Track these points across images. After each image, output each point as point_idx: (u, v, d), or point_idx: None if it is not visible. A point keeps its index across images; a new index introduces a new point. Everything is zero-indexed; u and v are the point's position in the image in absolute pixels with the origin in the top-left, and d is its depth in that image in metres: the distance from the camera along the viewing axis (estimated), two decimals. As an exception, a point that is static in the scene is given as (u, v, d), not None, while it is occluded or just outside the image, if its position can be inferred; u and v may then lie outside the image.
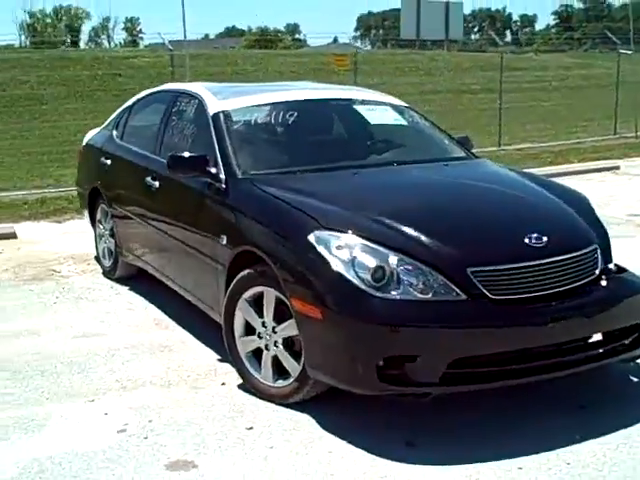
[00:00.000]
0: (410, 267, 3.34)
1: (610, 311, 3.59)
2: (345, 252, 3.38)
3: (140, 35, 78.99)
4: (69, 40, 62.50)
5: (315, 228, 3.50)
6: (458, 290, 3.31)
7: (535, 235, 3.52)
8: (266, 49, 35.54)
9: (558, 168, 11.56)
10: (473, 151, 5.03)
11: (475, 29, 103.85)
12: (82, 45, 63.79)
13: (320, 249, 3.42)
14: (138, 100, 5.93)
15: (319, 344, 3.41)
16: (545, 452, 3.25)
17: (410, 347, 3.24)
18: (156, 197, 4.91)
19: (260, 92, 5.00)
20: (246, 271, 3.81)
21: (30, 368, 4.26)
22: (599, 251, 3.72)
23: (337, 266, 3.35)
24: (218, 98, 4.74)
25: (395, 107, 5.14)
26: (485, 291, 3.32)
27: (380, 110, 5.00)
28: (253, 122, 4.57)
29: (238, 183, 4.09)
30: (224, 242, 3.99)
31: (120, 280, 5.94)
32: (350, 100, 5.03)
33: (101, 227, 6.14)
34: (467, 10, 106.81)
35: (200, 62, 22.41)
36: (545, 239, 3.53)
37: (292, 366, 3.62)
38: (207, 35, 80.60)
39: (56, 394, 3.93)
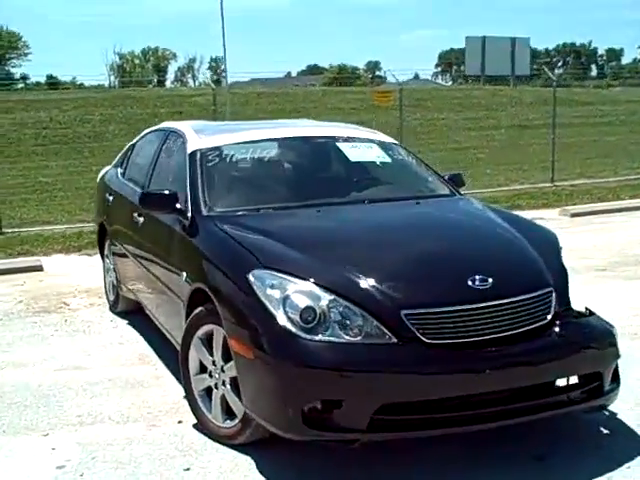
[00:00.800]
0: (341, 309, 3.24)
1: (560, 359, 3.38)
2: (278, 292, 3.31)
3: (223, 74, 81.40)
4: (156, 80, 64.88)
5: (255, 266, 3.45)
6: (390, 333, 3.19)
7: (479, 277, 3.38)
8: (344, 86, 35.98)
9: (605, 205, 11.19)
10: (466, 190, 5.00)
11: (559, 64, 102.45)
12: (168, 84, 66.12)
13: (256, 288, 3.36)
14: (140, 138, 6.04)
15: (252, 385, 3.34)
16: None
17: (334, 391, 3.13)
18: (140, 233, 4.98)
19: (244, 130, 5.04)
20: (199, 309, 3.79)
21: (2, 400, 4.33)
22: (554, 294, 3.53)
23: (268, 306, 3.29)
24: (199, 136, 4.79)
25: (382, 144, 5.06)
26: (419, 335, 3.19)
27: (364, 147, 4.92)
28: (228, 160, 4.58)
29: (201, 221, 4.09)
30: (184, 278, 4.00)
31: (121, 314, 6.02)
32: (333, 138, 4.97)
33: (107, 261, 6.25)
34: (551, 45, 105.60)
35: (263, 99, 22.92)
36: (490, 281, 3.37)
37: (237, 407, 3.55)
38: (289, 73, 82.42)
39: (15, 427, 3.97)
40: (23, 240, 9.44)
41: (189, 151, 4.61)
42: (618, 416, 3.87)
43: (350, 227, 4.05)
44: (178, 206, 4.24)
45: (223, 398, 3.66)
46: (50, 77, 40.93)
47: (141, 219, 4.92)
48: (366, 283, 3.32)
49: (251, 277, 3.40)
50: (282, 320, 3.23)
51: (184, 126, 5.15)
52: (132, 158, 5.97)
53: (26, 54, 60.49)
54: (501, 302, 3.34)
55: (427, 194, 4.69)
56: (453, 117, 22.09)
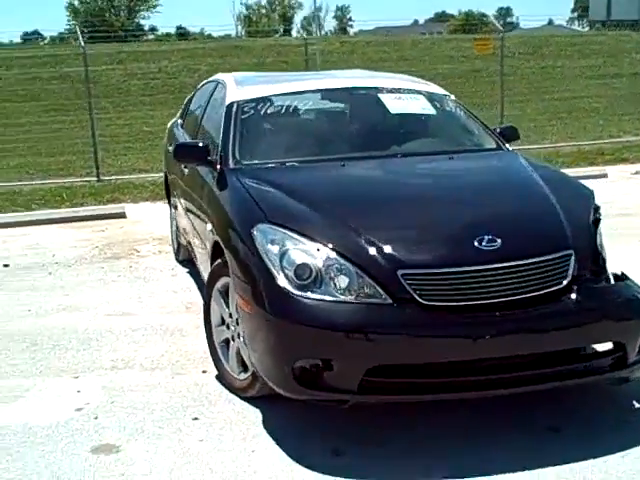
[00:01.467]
0: (337, 267, 3.15)
1: (573, 326, 3.17)
2: (277, 247, 3.26)
3: (350, 23, 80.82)
4: (282, 29, 65.12)
5: (259, 221, 3.41)
6: (384, 293, 3.08)
7: (488, 237, 3.19)
8: (469, 33, 34.94)
9: None
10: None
11: None
12: (294, 34, 66.19)
13: (257, 242, 3.33)
14: (197, 89, 6.09)
15: (252, 340, 3.33)
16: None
17: (324, 351, 3.07)
18: (185, 183, 5.05)
19: (286, 81, 4.97)
20: (217, 260, 3.80)
21: (47, 342, 4.55)
22: (573, 258, 3.28)
23: (267, 261, 3.25)
24: (239, 87, 4.78)
25: (430, 96, 4.84)
26: (416, 296, 3.06)
27: (410, 99, 4.72)
28: (263, 112, 4.52)
29: (227, 173, 4.07)
30: (209, 229, 4.02)
31: (183, 262, 6.15)
32: (376, 89, 4.79)
33: (171, 210, 6.39)
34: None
35: (369, 49, 22.58)
36: (499, 242, 3.19)
37: (249, 360, 3.57)
38: (416, 21, 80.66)
39: (50, 368, 4.16)
40: (115, 188, 9.83)
41: (227, 102, 4.59)
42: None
43: (367, 182, 3.94)
44: (209, 158, 4.24)
45: (238, 351, 3.68)
46: (179, 28, 42.03)
47: (186, 170, 4.97)
48: (366, 241, 3.21)
49: (255, 231, 3.37)
50: (278, 276, 3.19)
51: (228, 77, 5.16)
52: (189, 109, 6.03)
53: (155, 6, 62.11)
54: (509, 264, 3.15)
55: (468, 148, 4.51)
56: (570, 64, 20.96)
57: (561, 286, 3.22)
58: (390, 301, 3.07)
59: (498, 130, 4.78)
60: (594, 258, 3.42)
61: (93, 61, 18.85)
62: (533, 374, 3.20)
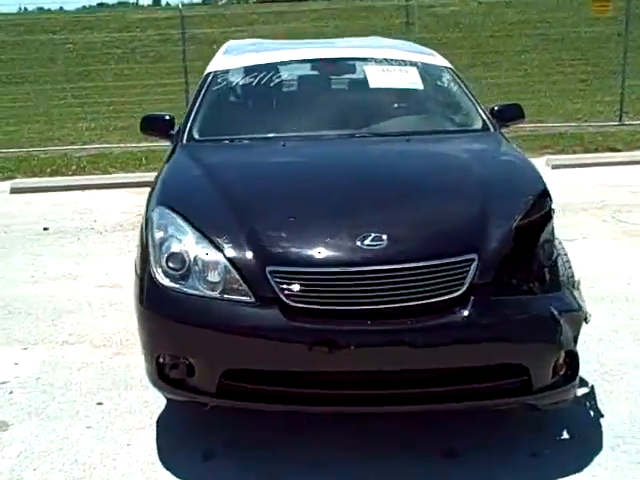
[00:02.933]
0: (208, 258, 2.96)
1: (459, 342, 2.81)
2: (161, 233, 3.12)
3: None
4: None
5: (159, 203, 3.29)
6: (249, 291, 2.86)
7: (372, 235, 2.88)
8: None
9: None
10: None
11: None
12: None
13: (149, 225, 3.21)
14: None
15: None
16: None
17: (182, 348, 2.93)
18: None
19: (273, 50, 4.75)
20: None
21: (24, 310, 4.72)
22: (475, 264, 2.87)
23: (150, 246, 3.12)
24: (224, 56, 4.68)
25: (425, 68, 4.48)
26: (282, 296, 2.81)
27: (399, 71, 4.35)
28: (234, 84, 4.40)
29: (177, 149, 3.99)
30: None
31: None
32: (364, 60, 4.46)
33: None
34: None
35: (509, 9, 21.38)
36: (384, 241, 2.87)
37: None
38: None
39: (8, 337, 4.31)
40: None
41: (205, 73, 4.50)
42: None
43: (290, 167, 3.70)
44: (171, 132, 4.18)
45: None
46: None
47: None
48: (245, 233, 2.99)
49: (152, 213, 3.26)
50: (153, 263, 3.06)
51: (226, 44, 5.04)
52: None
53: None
54: (391, 267, 2.82)
55: (441, 129, 4.18)
56: None
57: (453, 296, 2.83)
58: (253, 300, 2.86)
59: (496, 109, 4.37)
60: (515, 264, 2.97)
61: (218, 22, 19.35)
62: (423, 392, 2.89)
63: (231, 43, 5.25)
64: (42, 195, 8.05)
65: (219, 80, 4.39)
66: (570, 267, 3.45)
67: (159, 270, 3.02)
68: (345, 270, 2.84)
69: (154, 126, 4.34)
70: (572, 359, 2.99)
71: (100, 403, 3.52)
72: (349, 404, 2.88)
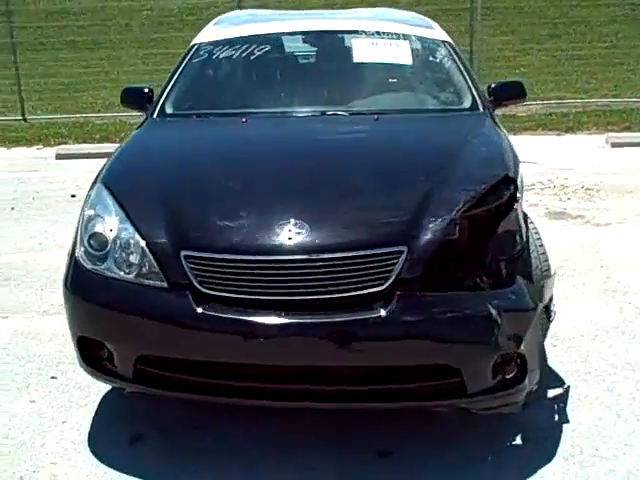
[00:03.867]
0: (127, 240, 2.85)
1: (382, 339, 2.61)
2: (92, 211, 3.03)
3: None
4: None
5: (100, 181, 3.19)
6: (162, 275, 2.73)
7: (294, 223, 2.71)
8: None
9: None
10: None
11: None
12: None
13: (84, 203, 3.12)
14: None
15: None
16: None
17: (97, 331, 2.85)
18: None
19: (262, 22, 4.60)
20: None
21: (20, 278, 4.77)
22: (405, 256, 2.64)
23: (80, 223, 3.04)
24: (215, 27, 4.55)
25: (420, 41, 4.22)
26: (195, 282, 2.68)
27: (389, 45, 4.09)
28: (215, 57, 4.22)
29: (145, 123, 3.92)
30: None
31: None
32: (355, 32, 4.22)
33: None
34: None
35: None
36: (305, 230, 2.69)
37: None
38: None
39: (-6, 306, 4.36)
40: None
41: (190, 44, 4.39)
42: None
43: (235, 147, 3.55)
44: (147, 105, 4.09)
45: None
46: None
47: None
48: (166, 216, 2.86)
49: (90, 191, 3.17)
50: (77, 242, 2.97)
51: (220, 16, 4.93)
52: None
53: None
54: (309, 257, 2.64)
55: (422, 107, 3.93)
56: None
57: (376, 290, 2.62)
58: (166, 285, 2.73)
59: (492, 86, 4.08)
60: (453, 258, 2.72)
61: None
62: (343, 390, 2.72)
63: (226, 15, 5.10)
64: (83, 161, 8.15)
65: (201, 52, 4.25)
66: (545, 260, 3.18)
67: (82, 250, 2.94)
68: (260, 258, 2.67)
69: (133, 99, 4.24)
70: (519, 361, 2.72)
71: (54, 377, 3.50)
72: (263, 397, 2.73)
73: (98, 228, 2.94)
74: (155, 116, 3.93)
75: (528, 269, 2.91)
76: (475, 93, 3.92)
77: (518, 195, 3.00)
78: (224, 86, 4.28)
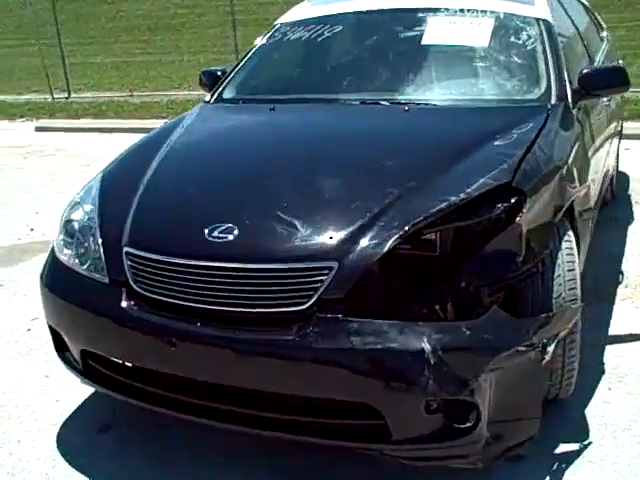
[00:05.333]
0: (87, 231, 2.89)
1: (294, 367, 2.37)
2: (77, 197, 3.12)
3: None
4: None
5: (103, 170, 3.30)
6: (105, 269, 2.73)
7: (223, 227, 2.55)
8: None
9: None
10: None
11: None
12: None
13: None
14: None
15: None
16: None
17: (54, 320, 2.91)
18: None
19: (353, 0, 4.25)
20: None
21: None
22: (334, 274, 2.36)
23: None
24: (307, 5, 4.45)
25: (509, 19, 3.74)
26: (131, 280, 2.64)
27: (468, 24, 3.72)
28: (289, 38, 4.15)
29: (195, 109, 3.93)
30: None
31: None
32: (436, 10, 3.84)
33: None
34: None
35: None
36: (233, 235, 2.52)
37: None
38: None
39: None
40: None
41: (275, 23, 4.35)
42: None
43: (234, 137, 3.47)
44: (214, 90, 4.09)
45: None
46: None
47: None
48: (125, 209, 2.84)
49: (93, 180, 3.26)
50: (60, 229, 3.06)
51: None
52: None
53: None
54: (229, 266, 2.46)
55: (476, 97, 3.46)
56: None
57: (296, 309, 2.38)
58: (107, 280, 2.71)
59: (584, 72, 3.52)
60: (399, 280, 2.42)
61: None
62: (255, 415, 2.51)
63: None
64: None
65: (278, 34, 4.21)
66: (573, 288, 2.71)
67: (60, 237, 3.02)
68: (184, 262, 2.54)
69: (208, 81, 4.22)
70: (465, 410, 2.31)
71: (47, 376, 3.51)
72: (185, 411, 2.63)
73: (74, 215, 3.00)
74: (211, 101, 3.95)
75: (535, 298, 2.53)
76: (553, 82, 3.38)
77: (524, 210, 2.50)
78: (287, 70, 4.23)
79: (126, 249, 2.69)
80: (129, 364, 2.74)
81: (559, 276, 2.62)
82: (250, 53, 4.20)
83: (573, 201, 2.97)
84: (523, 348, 2.34)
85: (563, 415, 2.92)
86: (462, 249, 2.47)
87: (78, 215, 2.96)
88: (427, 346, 2.23)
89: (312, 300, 2.36)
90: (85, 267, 2.81)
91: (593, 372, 3.21)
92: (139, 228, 2.75)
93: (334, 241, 2.44)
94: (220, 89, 3.99)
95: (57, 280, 2.91)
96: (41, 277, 2.99)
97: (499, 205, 2.49)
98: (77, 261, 2.85)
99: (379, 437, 2.35)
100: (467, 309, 2.39)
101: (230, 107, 3.87)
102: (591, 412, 2.97)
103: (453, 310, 2.40)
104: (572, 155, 3.09)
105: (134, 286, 2.64)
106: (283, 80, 4.11)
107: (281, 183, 2.81)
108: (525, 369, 2.37)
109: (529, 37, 3.64)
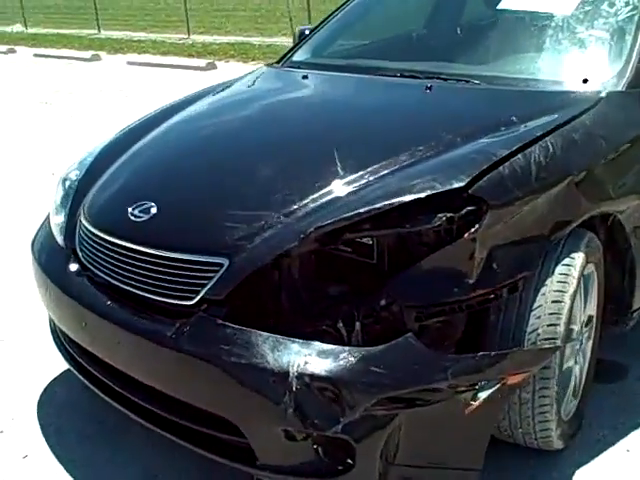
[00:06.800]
0: (70, 196, 2.85)
1: (168, 366, 2.15)
2: (82, 158, 3.12)
3: None
4: None
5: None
6: (67, 239, 2.67)
7: (145, 206, 2.38)
8: None
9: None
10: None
11: None
12: None
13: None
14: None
15: None
16: None
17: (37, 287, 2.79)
18: None
19: None
20: None
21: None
22: (223, 271, 2.09)
23: None
24: None
25: None
26: (78, 250, 2.56)
27: None
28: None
29: (255, 71, 3.73)
30: None
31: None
32: None
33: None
34: None
35: None
36: (148, 215, 2.34)
37: None
38: None
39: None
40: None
41: None
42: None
43: (252, 113, 3.10)
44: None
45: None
46: None
47: None
48: (99, 177, 2.81)
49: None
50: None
51: None
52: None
53: None
54: (131, 246, 2.31)
55: (524, 77, 2.87)
56: None
57: (183, 303, 2.15)
58: (68, 250, 2.64)
59: None
60: (301, 289, 2.12)
61: None
62: (145, 409, 2.31)
63: None
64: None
65: None
66: (553, 324, 2.15)
67: (57, 195, 2.96)
68: (107, 238, 2.42)
69: (297, 39, 3.97)
70: (338, 447, 1.97)
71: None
72: (101, 390, 2.50)
73: (70, 175, 2.95)
74: (280, 63, 3.70)
75: (503, 330, 2.14)
76: (632, 63, 2.74)
77: (482, 223, 2.02)
78: (368, 31, 3.97)
79: (80, 218, 2.61)
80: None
81: (539, 307, 2.14)
82: (342, 10, 3.88)
83: (613, 216, 2.46)
84: (433, 389, 1.92)
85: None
86: (390, 262, 2.10)
87: (70, 177, 2.93)
88: (293, 369, 1.91)
89: (198, 297, 2.12)
90: (58, 234, 2.75)
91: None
92: (94, 199, 2.67)
93: (231, 236, 2.16)
94: (292, 50, 3.77)
95: (38, 246, 2.84)
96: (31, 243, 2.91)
97: (440, 215, 2.02)
98: (56, 228, 2.77)
99: (245, 458, 2.09)
100: (384, 332, 1.99)
101: (280, 72, 3.59)
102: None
103: (362, 331, 2.01)
104: (619, 156, 2.52)
105: (79, 254, 2.54)
106: (356, 45, 3.84)
107: (229, 166, 2.58)
108: (446, 413, 1.97)
109: (622, 7, 3.00)
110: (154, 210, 2.35)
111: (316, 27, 3.85)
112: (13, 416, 2.86)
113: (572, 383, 2.46)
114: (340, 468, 1.98)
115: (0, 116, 8.03)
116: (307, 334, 1.99)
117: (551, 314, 2.15)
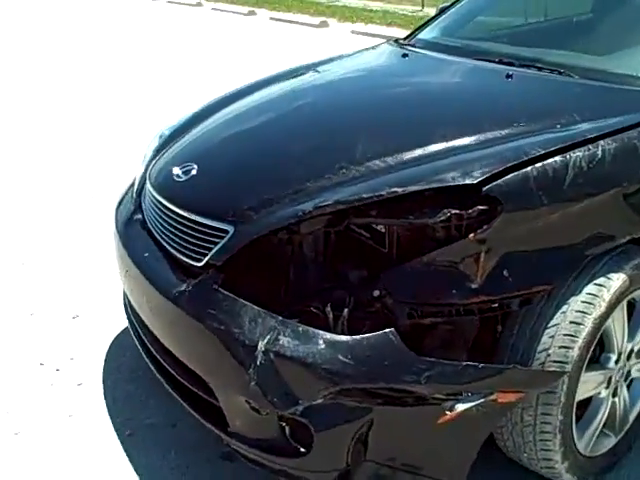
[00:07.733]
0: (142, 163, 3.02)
1: (174, 325, 2.23)
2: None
3: None
4: None
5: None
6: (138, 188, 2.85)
7: (186, 167, 2.48)
8: None
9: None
10: None
11: None
12: None
13: None
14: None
15: None
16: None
17: None
18: None
19: None
20: None
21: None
22: (228, 238, 2.14)
23: None
24: None
25: None
26: (143, 207, 2.67)
27: None
28: None
29: (379, 46, 3.64)
30: None
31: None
32: None
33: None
34: None
35: None
36: (186, 177, 2.45)
37: None
38: None
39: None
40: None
41: None
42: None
43: (337, 90, 3.07)
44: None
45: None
46: None
47: None
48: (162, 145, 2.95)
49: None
50: None
51: None
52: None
53: None
54: (166, 204, 2.42)
55: (605, 70, 2.65)
56: None
57: (194, 264, 2.21)
58: (137, 204, 2.76)
59: None
60: (289, 265, 2.13)
61: None
62: (170, 374, 2.39)
63: None
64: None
65: None
66: (565, 347, 1.99)
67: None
68: (152, 192, 2.55)
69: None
70: (298, 428, 1.98)
71: (57, 370, 3.19)
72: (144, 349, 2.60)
73: (151, 144, 3.04)
74: (404, 41, 3.54)
75: (515, 344, 2.02)
76: None
77: (492, 225, 1.91)
78: (507, 12, 3.78)
79: (146, 175, 2.72)
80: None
81: (555, 325, 1.99)
82: None
83: None
84: (404, 390, 1.85)
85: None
86: (390, 253, 2.04)
87: (164, 132, 3.06)
88: (261, 344, 1.91)
89: (205, 260, 2.17)
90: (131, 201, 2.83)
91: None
92: (157, 160, 2.77)
93: (242, 205, 2.18)
94: (421, 28, 3.64)
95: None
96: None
97: (446, 210, 1.93)
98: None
99: (220, 422, 2.13)
100: (373, 325, 1.92)
101: (394, 50, 3.39)
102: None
103: (349, 319, 1.96)
104: None
105: (144, 208, 2.64)
106: (487, 29, 3.62)
107: (271, 143, 2.58)
108: (421, 418, 1.90)
109: None
110: (194, 172, 2.43)
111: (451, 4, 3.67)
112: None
113: (602, 416, 2.26)
114: (296, 450, 1.97)
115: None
116: (294, 312, 1.99)
117: (566, 335, 1.98)
